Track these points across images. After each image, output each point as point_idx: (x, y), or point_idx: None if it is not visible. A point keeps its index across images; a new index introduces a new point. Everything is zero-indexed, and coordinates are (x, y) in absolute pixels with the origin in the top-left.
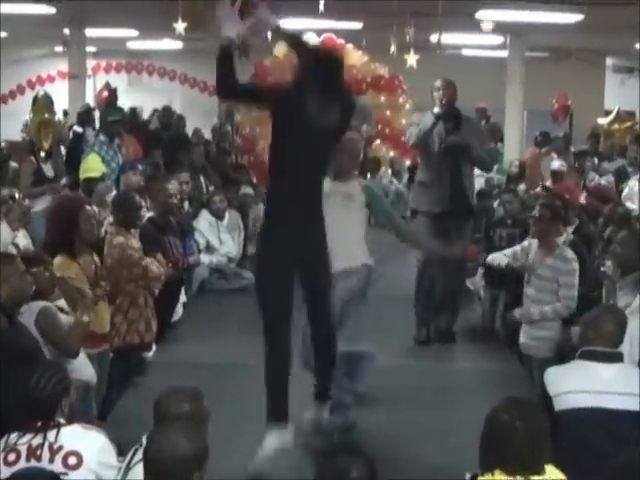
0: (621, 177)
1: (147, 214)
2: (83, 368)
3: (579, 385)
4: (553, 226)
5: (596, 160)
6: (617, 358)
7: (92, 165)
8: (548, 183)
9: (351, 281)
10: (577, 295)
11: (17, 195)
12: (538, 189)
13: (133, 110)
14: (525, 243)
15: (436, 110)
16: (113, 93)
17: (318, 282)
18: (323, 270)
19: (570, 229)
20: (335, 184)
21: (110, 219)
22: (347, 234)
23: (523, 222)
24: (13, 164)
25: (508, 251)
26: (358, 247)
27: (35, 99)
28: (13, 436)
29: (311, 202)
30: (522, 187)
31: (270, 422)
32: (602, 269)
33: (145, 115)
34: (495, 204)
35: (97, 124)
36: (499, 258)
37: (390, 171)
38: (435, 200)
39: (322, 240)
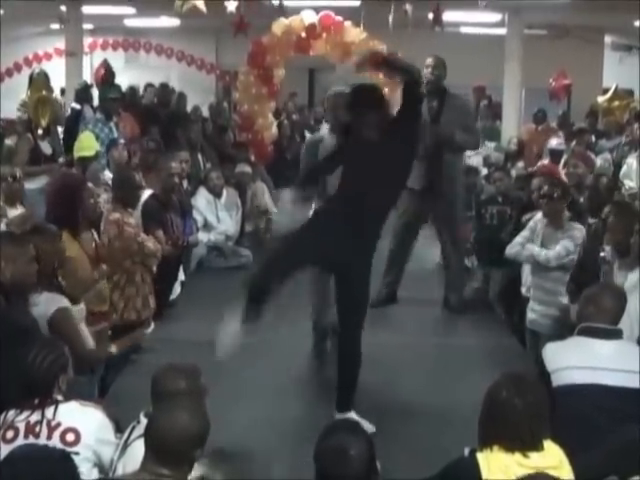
0: (619, 155)
1: (146, 192)
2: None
3: (577, 361)
4: (562, 204)
5: (593, 138)
6: (616, 335)
7: (86, 144)
8: (546, 161)
9: None
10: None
11: (18, 174)
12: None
13: (132, 89)
14: (531, 223)
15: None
16: (109, 71)
17: (351, 299)
18: (359, 289)
19: None
20: None
21: (104, 197)
22: None
23: (514, 199)
24: (8, 142)
25: (519, 238)
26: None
27: (32, 77)
28: (11, 413)
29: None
30: (520, 165)
31: None
32: (602, 254)
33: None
34: (483, 181)
35: (95, 102)
36: (518, 251)
37: None
38: (416, 176)
39: (365, 260)
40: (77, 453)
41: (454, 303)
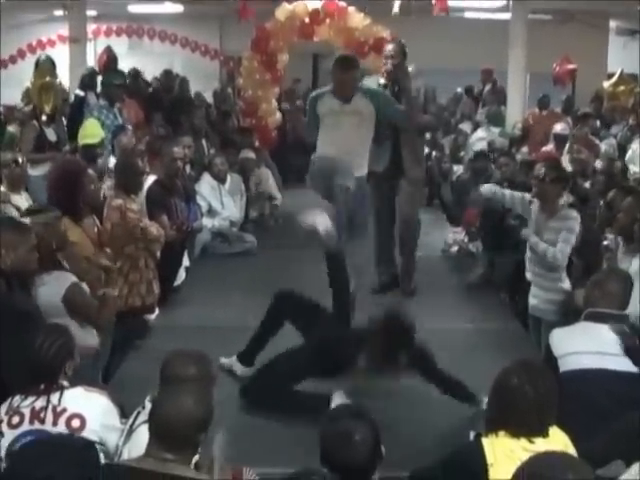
0: (624, 140)
1: (150, 177)
2: (87, 335)
3: (584, 346)
4: (555, 187)
5: (598, 123)
6: (622, 320)
7: (90, 131)
8: (550, 147)
9: (361, 189)
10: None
11: (20, 159)
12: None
13: (135, 72)
14: (527, 196)
15: (382, 81)
16: (112, 57)
17: None
18: None
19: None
20: (343, 106)
21: (108, 183)
22: (359, 147)
23: (519, 185)
24: (10, 129)
25: (507, 191)
26: (365, 159)
27: (37, 63)
28: (17, 399)
29: None
30: (525, 150)
31: None
32: (605, 243)
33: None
34: (494, 167)
35: (99, 88)
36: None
37: None
38: (374, 160)
39: None
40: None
41: (406, 288)
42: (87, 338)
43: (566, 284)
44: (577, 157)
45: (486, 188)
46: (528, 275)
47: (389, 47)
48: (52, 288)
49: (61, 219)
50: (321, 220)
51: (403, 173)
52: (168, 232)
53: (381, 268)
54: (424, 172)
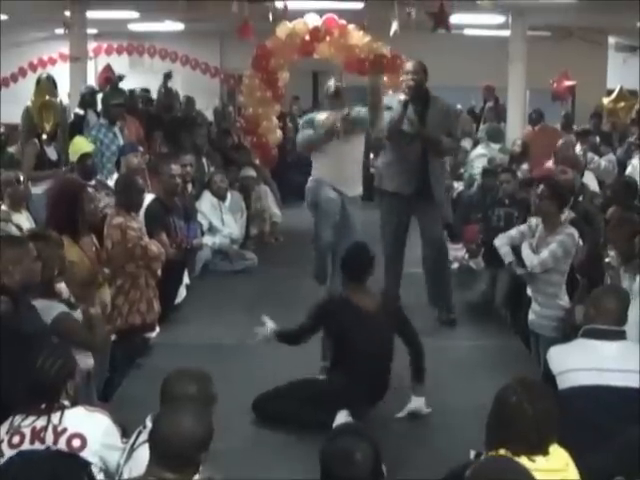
0: (624, 156)
1: (149, 195)
2: (81, 357)
3: (581, 363)
4: (553, 205)
5: (598, 139)
6: (619, 336)
7: (80, 145)
8: (551, 162)
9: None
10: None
11: (22, 178)
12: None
13: (131, 92)
14: (533, 221)
15: (402, 97)
16: (113, 77)
17: None
18: None
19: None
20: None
21: (107, 200)
22: (355, 168)
23: (521, 202)
24: (10, 150)
25: (514, 231)
26: (359, 179)
27: (38, 81)
28: (17, 418)
29: None
30: (525, 167)
31: None
32: (606, 260)
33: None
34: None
35: (98, 107)
36: (505, 250)
37: None
38: (401, 182)
39: None
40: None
41: (443, 317)
42: (79, 359)
43: (564, 301)
44: (564, 178)
45: (497, 245)
46: (529, 292)
47: (409, 64)
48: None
49: (62, 243)
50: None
51: (430, 194)
52: (168, 250)
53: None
54: (445, 194)
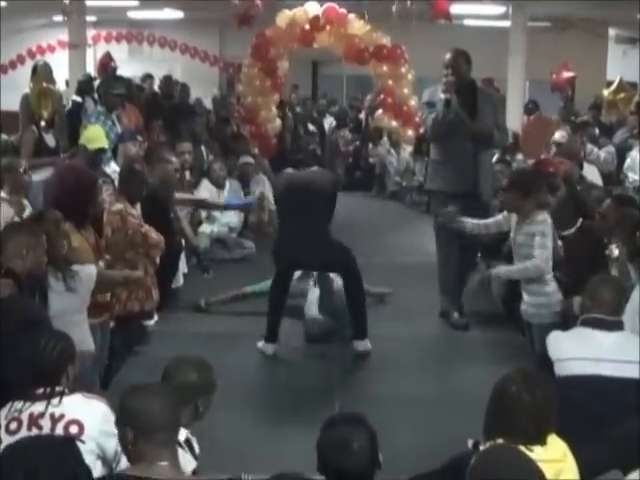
0: (624, 148)
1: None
2: (87, 339)
3: (578, 352)
4: (517, 194)
5: (597, 131)
6: (617, 326)
7: (97, 135)
8: (551, 153)
9: None
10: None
11: (24, 165)
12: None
13: (128, 81)
14: (506, 213)
15: (443, 96)
16: (111, 63)
17: None
18: None
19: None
20: None
21: (104, 189)
22: None
23: None
24: (4, 136)
25: (490, 220)
26: None
27: (35, 69)
28: (16, 404)
29: None
30: (520, 157)
31: None
32: (608, 252)
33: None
34: None
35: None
36: (472, 226)
37: (389, 142)
38: (452, 180)
39: None
40: (84, 443)
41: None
42: (86, 342)
43: (553, 286)
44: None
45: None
46: (493, 272)
47: (447, 56)
48: (82, 279)
49: (62, 219)
50: None
51: (478, 193)
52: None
53: (448, 298)
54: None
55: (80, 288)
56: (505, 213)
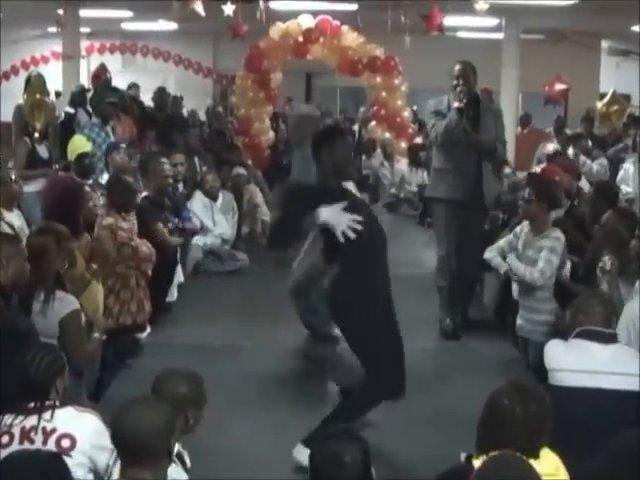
0: (617, 160)
1: (142, 194)
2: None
3: (574, 364)
4: (542, 205)
5: (590, 143)
6: (612, 339)
7: (79, 143)
8: (542, 166)
9: None
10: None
11: (13, 176)
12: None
13: (122, 92)
14: (517, 228)
15: (456, 105)
16: (104, 75)
17: None
18: None
19: (561, 211)
20: None
21: (102, 200)
22: None
23: (506, 204)
24: None
25: (502, 242)
26: None
27: (28, 80)
28: (6, 418)
29: None
30: (507, 170)
31: None
32: (600, 265)
33: (144, 96)
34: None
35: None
36: (497, 261)
37: (382, 154)
38: (455, 188)
39: None
40: (71, 457)
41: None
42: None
43: (552, 304)
44: (566, 180)
45: (488, 258)
46: (515, 294)
47: (456, 67)
48: (55, 307)
49: (70, 236)
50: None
51: (480, 202)
52: (167, 238)
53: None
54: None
55: (51, 316)
56: (517, 228)
